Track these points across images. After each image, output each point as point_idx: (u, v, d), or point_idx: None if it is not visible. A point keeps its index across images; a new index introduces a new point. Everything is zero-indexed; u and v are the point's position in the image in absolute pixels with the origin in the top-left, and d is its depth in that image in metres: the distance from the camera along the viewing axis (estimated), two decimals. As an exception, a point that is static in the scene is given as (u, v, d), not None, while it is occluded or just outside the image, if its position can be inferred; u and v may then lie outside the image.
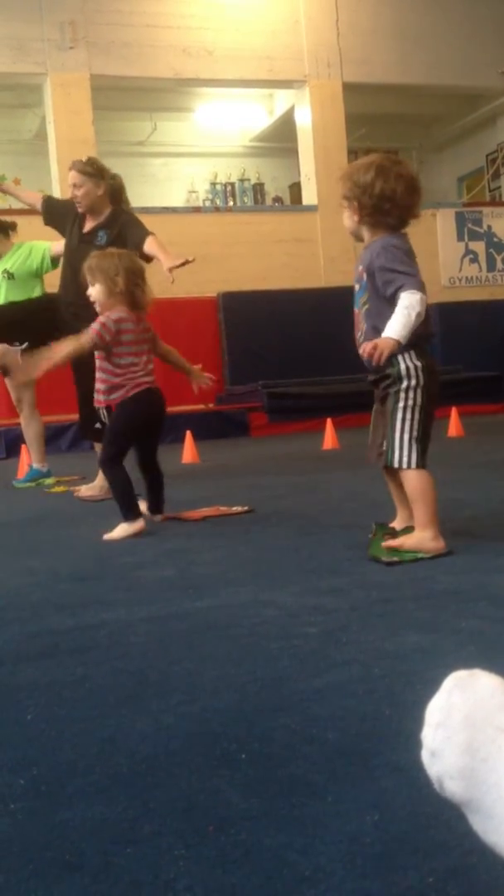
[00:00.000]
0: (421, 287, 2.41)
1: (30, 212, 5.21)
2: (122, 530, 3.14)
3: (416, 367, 2.46)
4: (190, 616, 1.98)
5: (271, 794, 1.07)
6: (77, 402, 4.66)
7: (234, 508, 3.52)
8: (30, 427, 5.45)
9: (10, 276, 5.32)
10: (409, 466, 2.45)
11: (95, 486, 4.53)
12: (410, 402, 2.46)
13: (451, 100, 11.76)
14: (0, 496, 5.04)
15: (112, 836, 1.00)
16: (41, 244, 5.36)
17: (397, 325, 2.36)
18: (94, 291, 3.24)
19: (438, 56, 10.66)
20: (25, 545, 3.24)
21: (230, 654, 1.67)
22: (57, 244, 5.27)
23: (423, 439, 2.47)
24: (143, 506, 3.33)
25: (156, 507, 3.43)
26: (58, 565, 2.75)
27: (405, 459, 2.45)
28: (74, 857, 0.96)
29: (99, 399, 3.27)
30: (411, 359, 2.46)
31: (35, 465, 5.44)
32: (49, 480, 5.33)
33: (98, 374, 3.26)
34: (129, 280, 3.18)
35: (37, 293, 5.34)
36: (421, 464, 2.46)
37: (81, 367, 4.67)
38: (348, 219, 2.57)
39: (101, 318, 3.19)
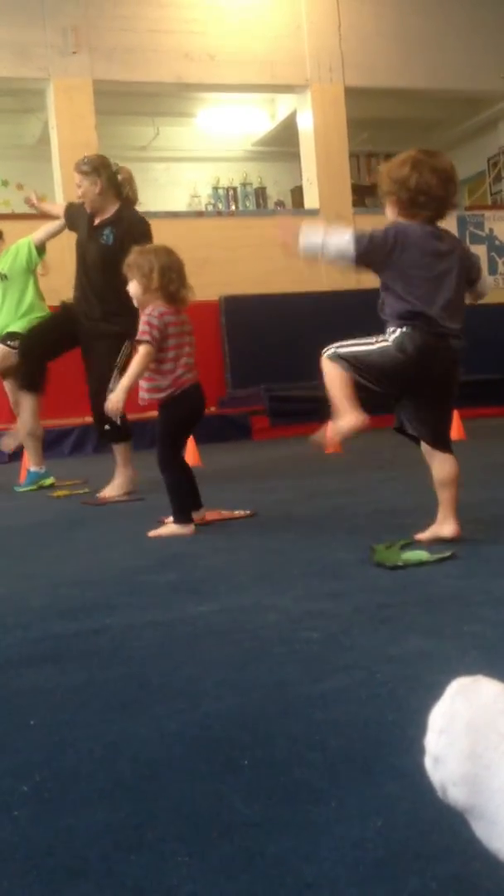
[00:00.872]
0: (361, 244, 2.50)
1: (13, 216, 5.26)
2: (170, 529, 3.19)
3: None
4: (192, 621, 1.98)
5: (274, 800, 1.07)
6: (89, 402, 4.71)
7: (237, 512, 3.52)
8: (26, 428, 5.45)
9: (4, 277, 5.37)
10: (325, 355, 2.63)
11: (115, 486, 4.55)
12: (382, 345, 2.57)
13: (452, 104, 11.76)
14: (2, 500, 5.04)
15: (115, 842, 1.00)
16: (24, 240, 5.44)
17: (313, 237, 2.52)
18: (131, 287, 3.27)
19: (440, 60, 10.66)
20: (28, 550, 3.25)
21: (232, 658, 1.67)
22: (36, 232, 5.38)
23: (362, 370, 2.58)
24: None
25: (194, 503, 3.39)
26: (60, 569, 2.75)
27: (329, 351, 2.63)
28: (78, 863, 0.96)
29: (143, 398, 3.26)
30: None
31: (32, 468, 5.44)
32: (49, 481, 5.34)
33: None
34: (163, 276, 3.20)
35: (31, 288, 5.38)
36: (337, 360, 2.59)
37: (90, 365, 4.70)
38: (390, 214, 2.63)
39: (144, 318, 3.19)
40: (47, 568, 2.80)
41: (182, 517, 3.20)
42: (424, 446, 2.69)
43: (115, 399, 3.26)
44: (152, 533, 3.20)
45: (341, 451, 5.61)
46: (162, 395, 3.22)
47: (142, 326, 3.19)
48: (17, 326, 5.31)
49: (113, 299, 4.44)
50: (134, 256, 3.28)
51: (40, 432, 5.50)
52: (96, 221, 4.62)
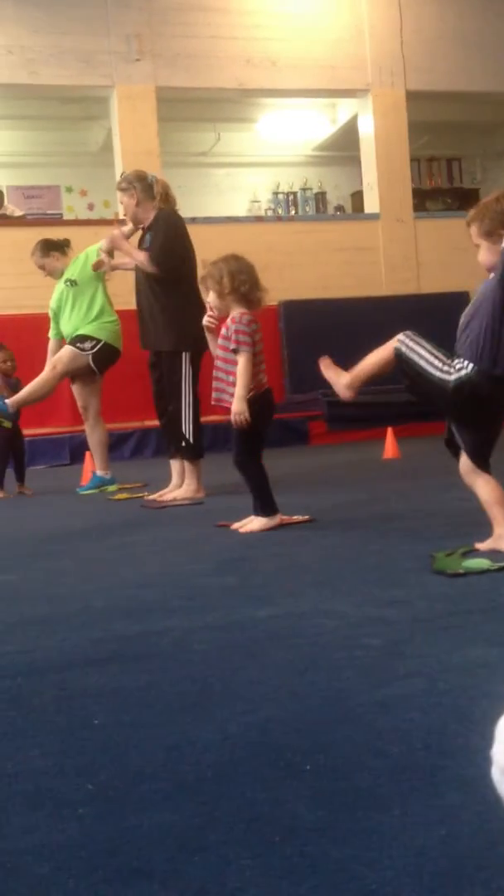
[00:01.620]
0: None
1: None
2: (259, 524, 3.32)
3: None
4: (251, 625, 1.98)
5: (336, 806, 1.07)
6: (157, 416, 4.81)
7: (295, 518, 3.52)
8: (94, 434, 5.53)
9: (73, 283, 5.44)
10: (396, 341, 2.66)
11: (188, 489, 4.59)
12: (443, 377, 2.56)
13: (514, 106, 11.64)
14: (64, 503, 5.11)
15: (179, 843, 1.01)
16: (93, 247, 5.49)
17: None
18: (210, 297, 3.40)
19: (501, 62, 10.56)
20: (89, 552, 3.29)
21: (292, 663, 1.67)
22: (104, 240, 5.41)
23: (413, 380, 2.62)
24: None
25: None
26: (121, 571, 2.78)
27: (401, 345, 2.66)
28: (143, 864, 0.97)
29: (223, 399, 3.35)
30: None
31: (98, 473, 5.52)
32: (112, 487, 5.40)
33: (223, 375, 3.35)
34: (233, 280, 3.31)
35: (100, 294, 5.44)
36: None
37: (158, 380, 4.77)
38: (489, 252, 2.58)
39: (235, 327, 3.29)
40: (108, 569, 2.84)
41: (268, 510, 3.34)
42: (463, 464, 2.64)
43: (237, 411, 3.28)
44: (242, 529, 3.33)
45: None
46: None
47: (236, 336, 3.28)
48: (88, 330, 5.38)
49: (158, 314, 4.57)
50: (207, 269, 3.41)
51: (105, 436, 5.58)
52: (143, 234, 4.75)
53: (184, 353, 4.54)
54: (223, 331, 3.35)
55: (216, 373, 3.39)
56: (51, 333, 5.69)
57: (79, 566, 2.96)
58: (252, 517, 3.40)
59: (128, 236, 4.87)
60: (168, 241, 4.55)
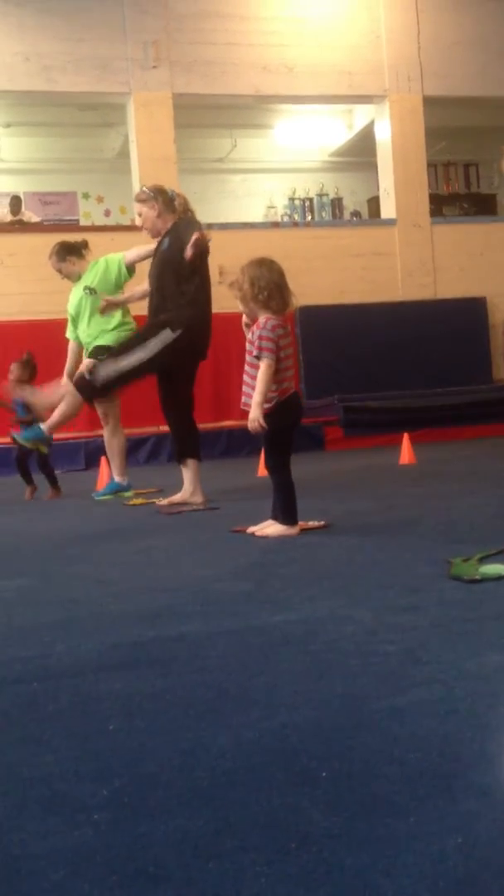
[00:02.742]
0: None
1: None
2: (277, 529, 3.34)
3: None
4: (267, 630, 1.98)
5: (353, 812, 1.07)
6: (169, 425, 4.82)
7: (311, 523, 3.51)
8: (114, 441, 5.54)
9: (91, 291, 5.43)
10: None
11: (185, 493, 4.59)
12: None
13: (532, 112, 11.62)
14: (80, 508, 5.12)
15: (194, 849, 1.01)
16: (115, 256, 5.48)
17: None
18: (241, 306, 3.42)
19: (520, 68, 10.55)
20: (104, 557, 3.29)
21: (308, 669, 1.67)
22: (130, 252, 5.42)
23: None
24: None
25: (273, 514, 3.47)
26: (136, 576, 2.78)
27: None
28: (158, 870, 0.97)
29: (248, 404, 3.34)
30: None
31: (116, 479, 5.52)
32: (128, 494, 5.40)
33: (249, 380, 3.36)
34: (253, 287, 3.33)
35: (118, 311, 5.42)
36: None
37: (168, 398, 4.79)
38: None
39: (259, 333, 3.31)
40: (124, 574, 2.84)
41: (289, 519, 3.35)
42: None
43: (252, 417, 3.29)
44: (258, 532, 3.34)
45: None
46: (268, 404, 3.30)
47: (259, 342, 3.29)
48: (107, 340, 5.38)
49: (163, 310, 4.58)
50: (234, 279, 3.42)
51: (124, 442, 5.59)
52: (160, 241, 4.78)
53: (169, 330, 4.52)
54: (248, 335, 3.36)
55: (244, 377, 3.41)
56: (69, 335, 5.71)
57: (94, 571, 2.97)
58: (270, 521, 3.40)
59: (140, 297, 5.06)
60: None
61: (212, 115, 10.85)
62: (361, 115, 11.28)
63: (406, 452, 6.40)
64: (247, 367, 3.39)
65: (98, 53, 9.41)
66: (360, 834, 1.01)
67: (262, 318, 3.33)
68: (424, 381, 9.67)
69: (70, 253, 5.58)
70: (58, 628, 2.14)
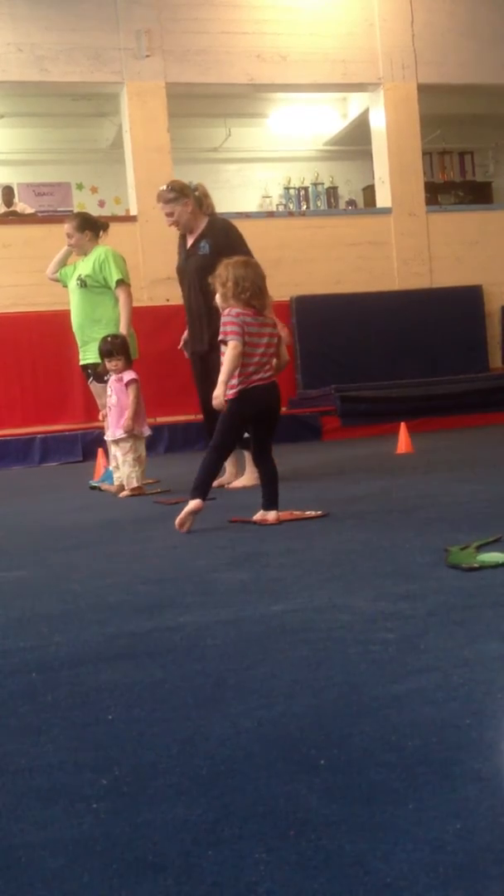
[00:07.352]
0: None
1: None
2: (188, 507, 3.37)
3: None
4: (265, 620, 1.98)
5: (351, 800, 1.07)
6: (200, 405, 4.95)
7: (308, 512, 3.52)
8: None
9: (83, 283, 5.36)
10: None
11: (248, 477, 4.61)
12: None
13: (526, 99, 11.59)
14: (77, 499, 5.12)
15: (193, 837, 1.01)
16: (113, 253, 5.39)
17: None
18: (217, 297, 3.53)
19: (515, 55, 10.51)
20: (102, 547, 3.29)
21: (307, 658, 1.67)
22: (51, 264, 5.55)
23: None
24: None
25: (268, 503, 3.48)
26: (135, 567, 2.78)
27: None
28: (157, 858, 0.97)
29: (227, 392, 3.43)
30: None
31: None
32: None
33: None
34: (237, 286, 3.42)
35: (108, 307, 5.38)
36: None
37: (200, 374, 4.81)
38: None
39: (224, 320, 3.42)
40: (122, 565, 2.84)
41: (197, 493, 3.38)
42: None
43: (216, 395, 3.39)
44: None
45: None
46: (231, 390, 3.39)
47: (223, 327, 3.40)
48: (94, 353, 5.32)
49: (205, 315, 4.61)
50: (218, 269, 3.52)
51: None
52: (190, 241, 4.79)
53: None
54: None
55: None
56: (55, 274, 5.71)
57: (92, 561, 2.97)
58: (262, 512, 3.46)
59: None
60: (231, 243, 4.64)
61: (206, 104, 10.80)
62: (356, 104, 11.24)
63: (403, 442, 6.40)
64: (222, 358, 3.47)
65: (91, 43, 9.37)
66: (359, 821, 1.02)
67: (228, 308, 3.42)
68: (421, 370, 9.67)
69: (90, 227, 5.46)
70: (56, 619, 2.14)
